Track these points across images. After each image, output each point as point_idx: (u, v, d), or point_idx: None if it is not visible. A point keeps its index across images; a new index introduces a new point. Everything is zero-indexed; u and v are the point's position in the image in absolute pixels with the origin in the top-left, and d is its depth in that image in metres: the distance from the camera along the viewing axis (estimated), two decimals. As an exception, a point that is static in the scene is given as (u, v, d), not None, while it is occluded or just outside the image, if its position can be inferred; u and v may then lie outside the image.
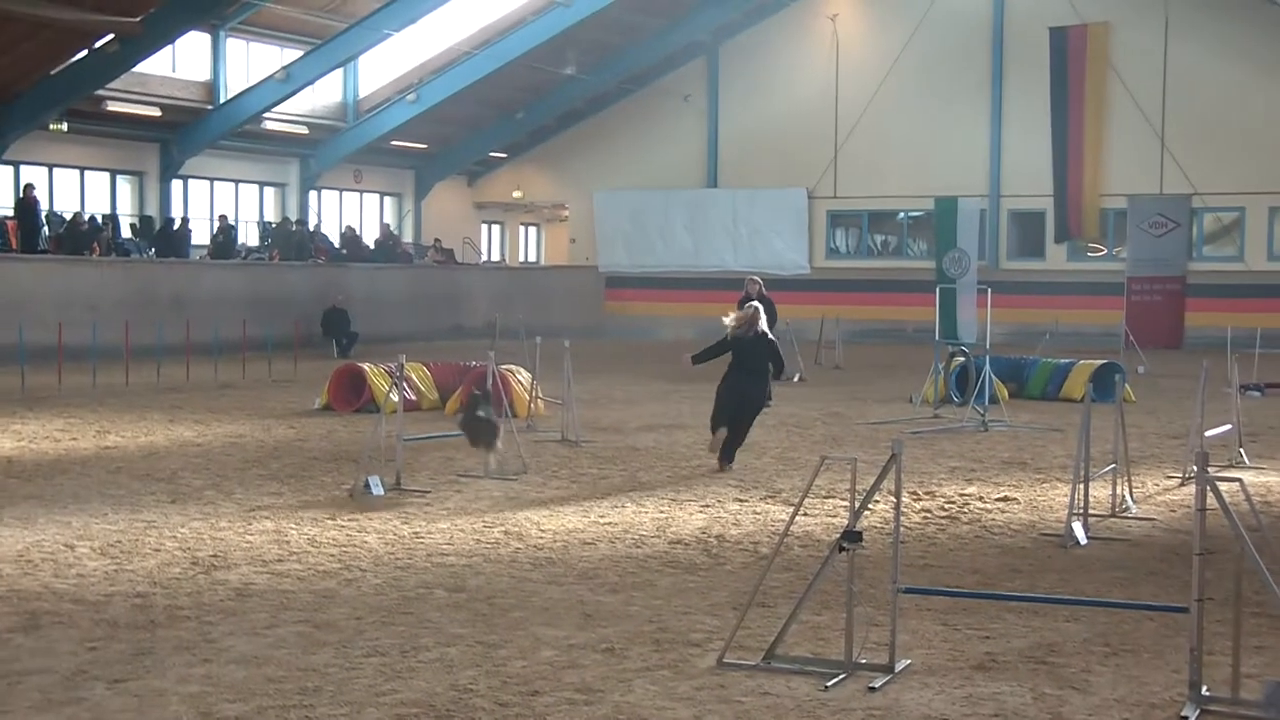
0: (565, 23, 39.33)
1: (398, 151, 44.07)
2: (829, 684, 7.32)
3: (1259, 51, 38.87)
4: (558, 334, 23.12)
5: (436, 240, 44.58)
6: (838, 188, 43.33)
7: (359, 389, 20.96)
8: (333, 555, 10.58)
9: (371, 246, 41.17)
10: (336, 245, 40.58)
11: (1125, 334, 31.61)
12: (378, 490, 13.41)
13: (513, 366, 20.66)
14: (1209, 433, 15.56)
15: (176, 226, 36.19)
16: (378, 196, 45.79)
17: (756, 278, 23.16)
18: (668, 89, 45.47)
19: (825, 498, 13.23)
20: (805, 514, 12.27)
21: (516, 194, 48.40)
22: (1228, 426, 16.26)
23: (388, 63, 41.69)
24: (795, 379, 26.70)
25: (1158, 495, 14.09)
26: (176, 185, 38.37)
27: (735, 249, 43.64)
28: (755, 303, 16.00)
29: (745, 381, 15.43)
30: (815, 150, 43.33)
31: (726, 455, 15.37)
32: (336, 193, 44.23)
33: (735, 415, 15.34)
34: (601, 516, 12.41)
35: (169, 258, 34.53)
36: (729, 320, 15.50)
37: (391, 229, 43.23)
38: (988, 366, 20.70)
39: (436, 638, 8.20)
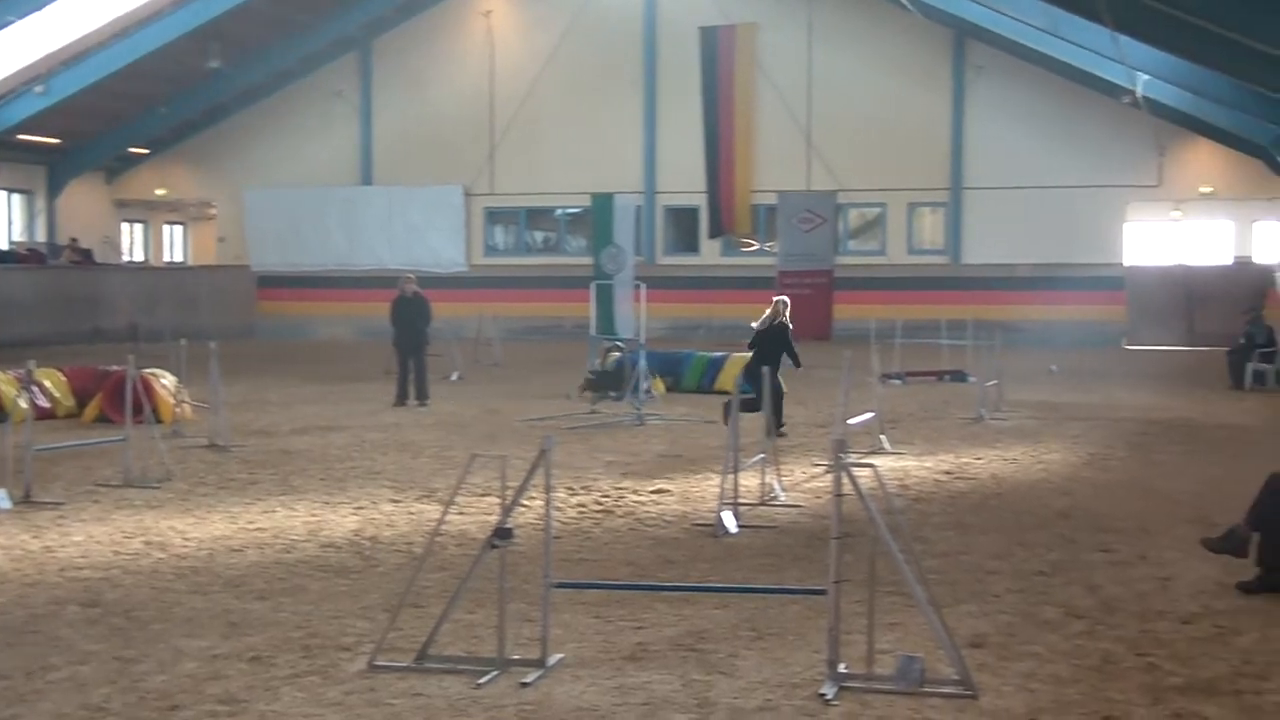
0: (207, 15, 38.10)
1: (27, 146, 41.83)
2: (481, 681, 7.35)
3: (897, 54, 40.85)
4: (207, 336, 22.47)
5: (73, 240, 42.60)
6: (494, 185, 43.45)
7: (-14, 398, 19.84)
8: (-46, 575, 9.99)
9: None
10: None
11: (777, 327, 32.70)
12: (4, 504, 12.74)
13: (156, 370, 19.94)
14: (852, 421, 16.36)
15: None
16: (4, 194, 43.41)
17: (411, 276, 23.02)
18: (319, 85, 44.65)
19: (481, 495, 13.25)
20: (460, 513, 12.29)
21: (160, 191, 46.67)
22: (870, 414, 17.09)
23: (12, 51, 39.49)
24: (454, 377, 26.72)
25: (804, 483, 14.66)
26: None
27: (391, 247, 43.21)
28: (781, 297, 18.67)
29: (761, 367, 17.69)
30: (471, 147, 43.31)
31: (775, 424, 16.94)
32: (-42, 190, 41.72)
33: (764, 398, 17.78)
34: (250, 522, 12.12)
35: None
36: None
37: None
38: (643, 361, 21.13)
39: (67, 656, 7.84)
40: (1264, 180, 37.40)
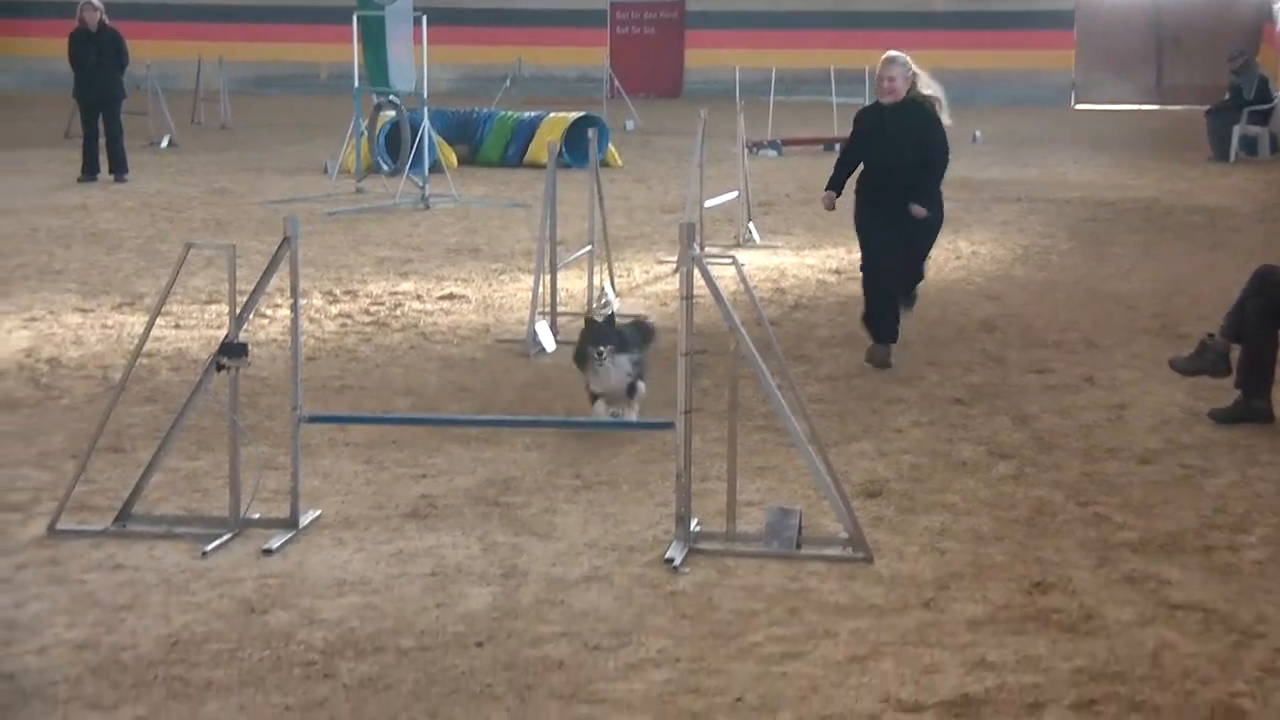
0: None
1: None
2: (208, 549, 7.34)
3: None
4: None
5: None
6: None
7: None
8: None
9: None
10: None
11: (610, 78, 32.62)
12: None
13: None
14: (709, 203, 16.47)
15: None
16: None
17: (96, 1, 22.38)
18: None
19: (207, 303, 13.19)
20: (176, 325, 12.27)
21: None
22: (733, 194, 17.19)
23: None
24: (164, 143, 26.36)
25: (647, 285, 14.80)
26: None
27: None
28: (897, 53, 12.11)
29: (893, 196, 11.64)
30: None
31: (887, 331, 11.86)
32: None
33: (898, 256, 11.86)
34: (-122, 342, 11.94)
35: None
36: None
37: None
38: (427, 123, 20.97)
39: None
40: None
